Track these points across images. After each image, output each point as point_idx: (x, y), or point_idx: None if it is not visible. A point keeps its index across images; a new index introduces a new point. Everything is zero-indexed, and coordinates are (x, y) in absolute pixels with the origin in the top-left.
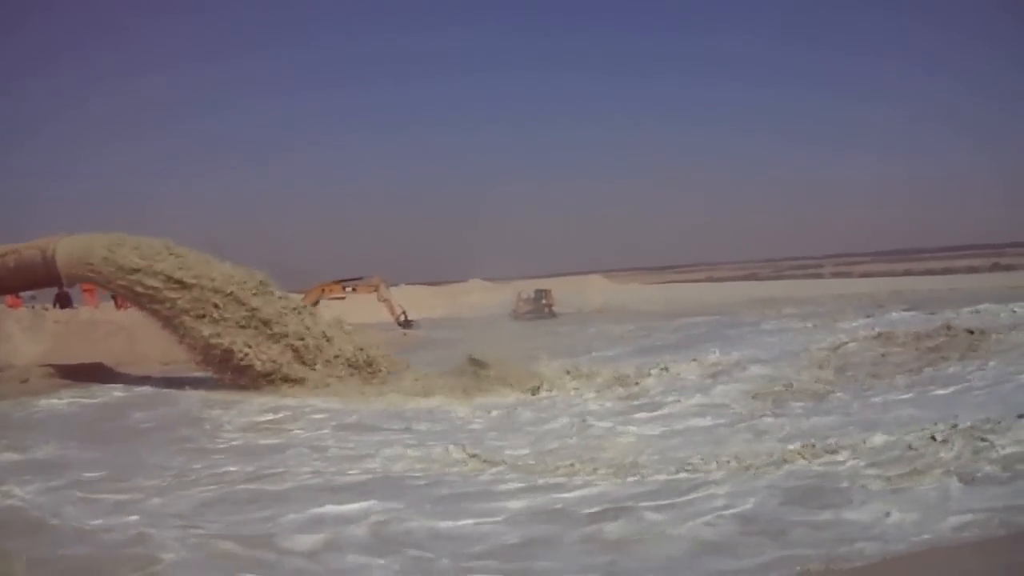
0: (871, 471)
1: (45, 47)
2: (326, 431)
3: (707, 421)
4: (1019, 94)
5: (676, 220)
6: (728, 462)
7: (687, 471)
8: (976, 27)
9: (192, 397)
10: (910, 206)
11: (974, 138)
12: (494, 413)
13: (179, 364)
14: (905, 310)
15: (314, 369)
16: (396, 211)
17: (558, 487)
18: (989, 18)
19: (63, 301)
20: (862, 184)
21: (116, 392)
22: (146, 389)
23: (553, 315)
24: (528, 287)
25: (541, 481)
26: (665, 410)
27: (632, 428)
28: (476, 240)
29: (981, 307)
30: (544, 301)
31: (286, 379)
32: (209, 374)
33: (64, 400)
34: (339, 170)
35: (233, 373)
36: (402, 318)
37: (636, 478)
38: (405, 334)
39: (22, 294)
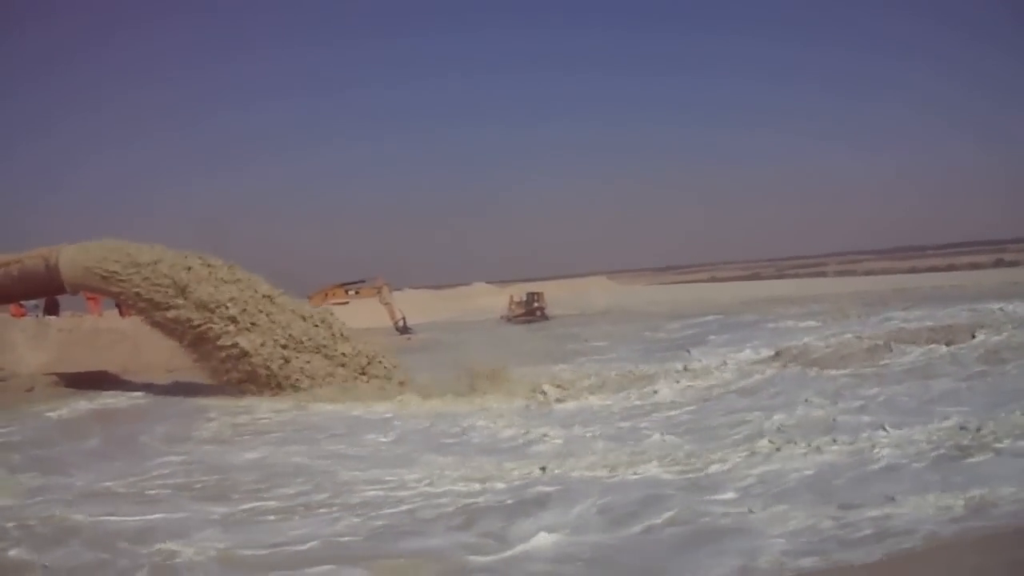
0: None
1: (46, 51)
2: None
3: None
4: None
5: (678, 221)
6: None
7: None
8: (980, 24)
9: (196, 404)
10: (912, 204)
11: (976, 135)
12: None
13: (184, 371)
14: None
15: (326, 376)
16: (400, 216)
17: None
18: (993, 16)
19: (50, 308)
20: (864, 182)
21: (120, 400)
22: (151, 397)
23: (545, 318)
24: (532, 289)
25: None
26: None
27: None
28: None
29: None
30: (536, 304)
31: (292, 385)
32: (213, 381)
33: (67, 409)
34: (342, 174)
35: (238, 379)
36: (400, 323)
37: None
38: (409, 339)
39: (25, 303)
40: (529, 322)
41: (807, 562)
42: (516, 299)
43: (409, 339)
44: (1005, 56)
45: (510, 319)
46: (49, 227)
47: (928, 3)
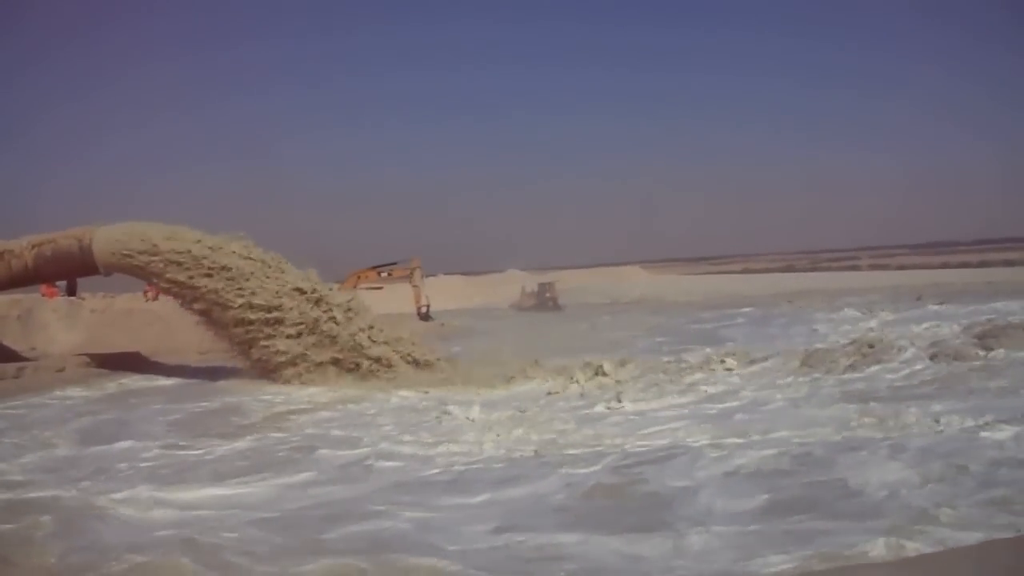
0: None
1: (45, 37)
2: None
3: None
4: None
5: (713, 212)
6: None
7: None
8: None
9: (228, 388)
10: (944, 199)
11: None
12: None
13: (216, 353)
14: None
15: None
16: (434, 202)
17: None
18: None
19: (70, 288)
20: (896, 177)
21: (152, 382)
22: (182, 380)
23: (558, 308)
24: (563, 277)
25: None
26: None
27: None
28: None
29: None
30: (548, 294)
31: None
32: (244, 365)
33: (96, 390)
34: (376, 159)
35: (263, 363)
36: (424, 309)
37: None
38: (443, 324)
39: (58, 284)
40: (541, 312)
41: None
42: (528, 290)
43: (443, 324)
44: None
45: (521, 309)
46: (58, 209)
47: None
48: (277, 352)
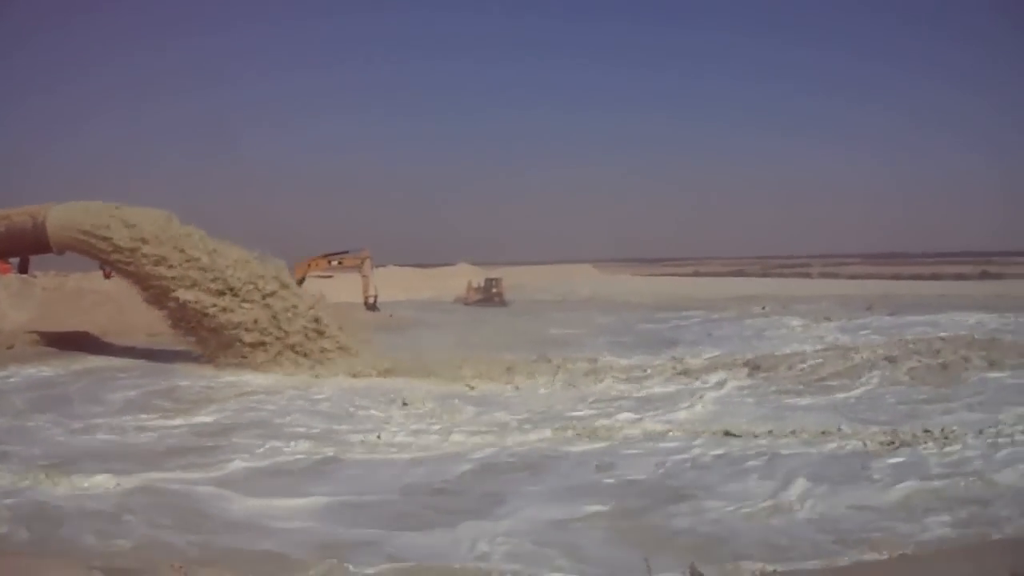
0: None
1: (39, 19)
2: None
3: None
4: (1015, 100)
5: (666, 214)
6: None
7: None
8: (972, 31)
9: (175, 370)
10: (901, 210)
11: (970, 144)
12: None
13: (164, 335)
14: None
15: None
16: (387, 194)
17: None
18: (985, 21)
19: (22, 266)
20: (853, 186)
21: (99, 362)
22: (130, 361)
23: (503, 303)
24: (514, 274)
25: None
26: None
27: None
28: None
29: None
30: (495, 289)
31: (269, 353)
32: (192, 347)
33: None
34: (332, 150)
35: (213, 344)
36: (371, 300)
37: None
38: (391, 315)
39: (11, 260)
40: (486, 307)
41: None
42: (474, 284)
43: (391, 315)
44: (1000, 64)
45: (467, 303)
46: (37, 190)
47: (921, 8)
48: (221, 335)
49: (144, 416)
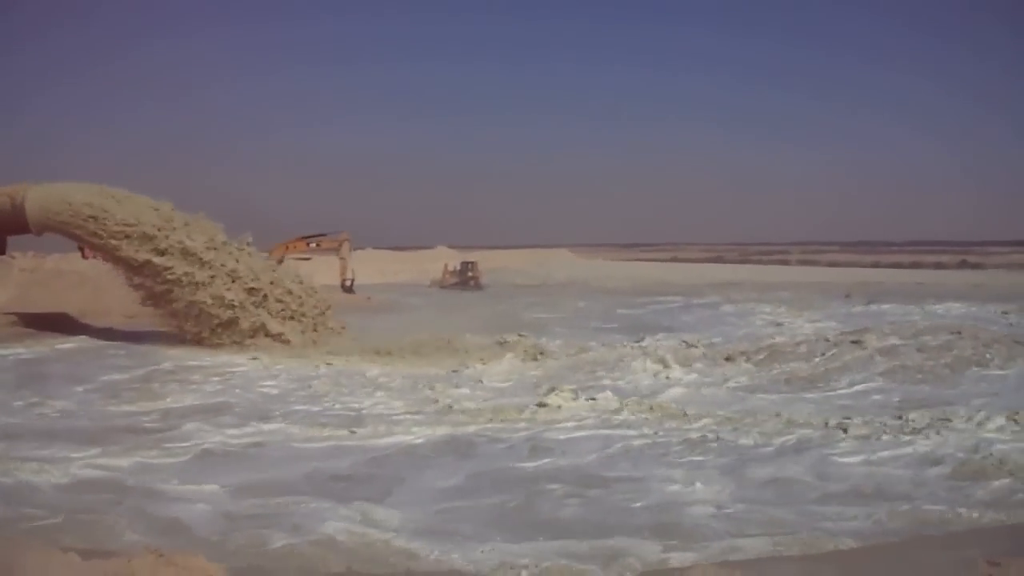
0: None
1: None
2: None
3: None
4: (991, 94)
5: (645, 200)
6: None
7: None
8: (946, 24)
9: (152, 351)
10: (880, 200)
11: (945, 134)
12: None
13: (142, 317)
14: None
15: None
16: (366, 176)
17: None
18: (957, 15)
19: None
20: (832, 176)
21: (77, 343)
22: (107, 342)
23: (479, 287)
24: (492, 257)
25: None
26: None
27: None
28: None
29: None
30: (470, 273)
31: (246, 333)
32: (169, 328)
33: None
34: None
35: (191, 326)
36: (348, 283)
37: None
38: (369, 298)
39: None
40: (462, 291)
41: None
42: (450, 268)
43: (370, 298)
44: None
45: (443, 286)
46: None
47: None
48: (192, 314)
49: (109, 398)
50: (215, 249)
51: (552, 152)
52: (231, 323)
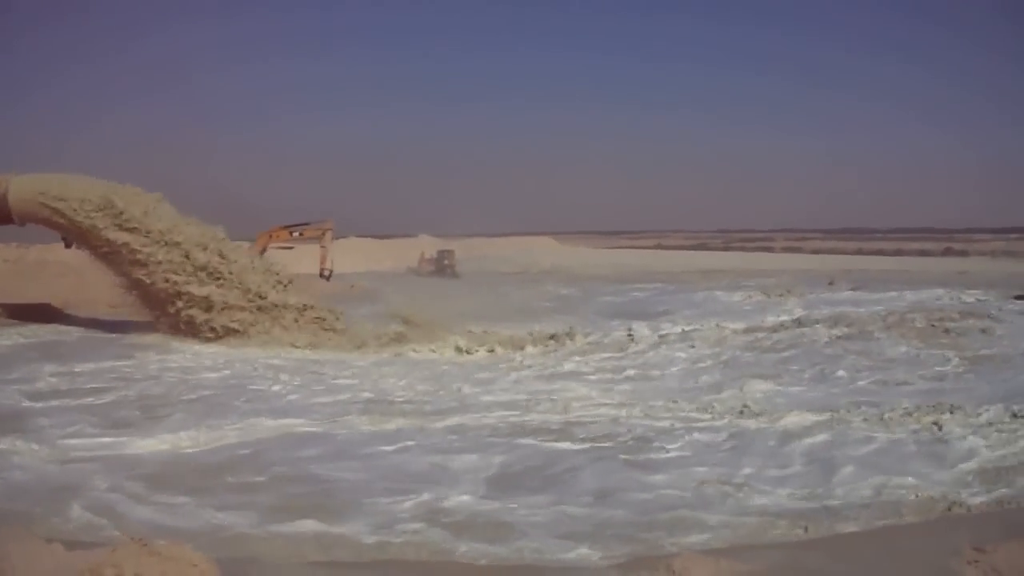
0: None
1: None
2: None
3: None
4: (979, 80)
5: (628, 187)
6: None
7: None
8: (937, 12)
9: (135, 342)
10: (864, 186)
11: (932, 121)
12: None
13: (126, 308)
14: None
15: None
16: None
17: None
18: (956, 4)
19: None
20: (818, 162)
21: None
22: (89, 332)
23: (455, 275)
24: (474, 245)
25: None
26: None
27: None
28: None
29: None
30: (447, 261)
31: (228, 328)
32: (152, 319)
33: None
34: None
35: (174, 319)
36: (326, 273)
37: None
38: (352, 286)
39: None
40: (439, 278)
41: None
42: (427, 256)
43: (353, 286)
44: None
45: (420, 274)
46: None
47: None
48: (176, 305)
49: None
50: (205, 248)
51: (535, 140)
52: (208, 312)
